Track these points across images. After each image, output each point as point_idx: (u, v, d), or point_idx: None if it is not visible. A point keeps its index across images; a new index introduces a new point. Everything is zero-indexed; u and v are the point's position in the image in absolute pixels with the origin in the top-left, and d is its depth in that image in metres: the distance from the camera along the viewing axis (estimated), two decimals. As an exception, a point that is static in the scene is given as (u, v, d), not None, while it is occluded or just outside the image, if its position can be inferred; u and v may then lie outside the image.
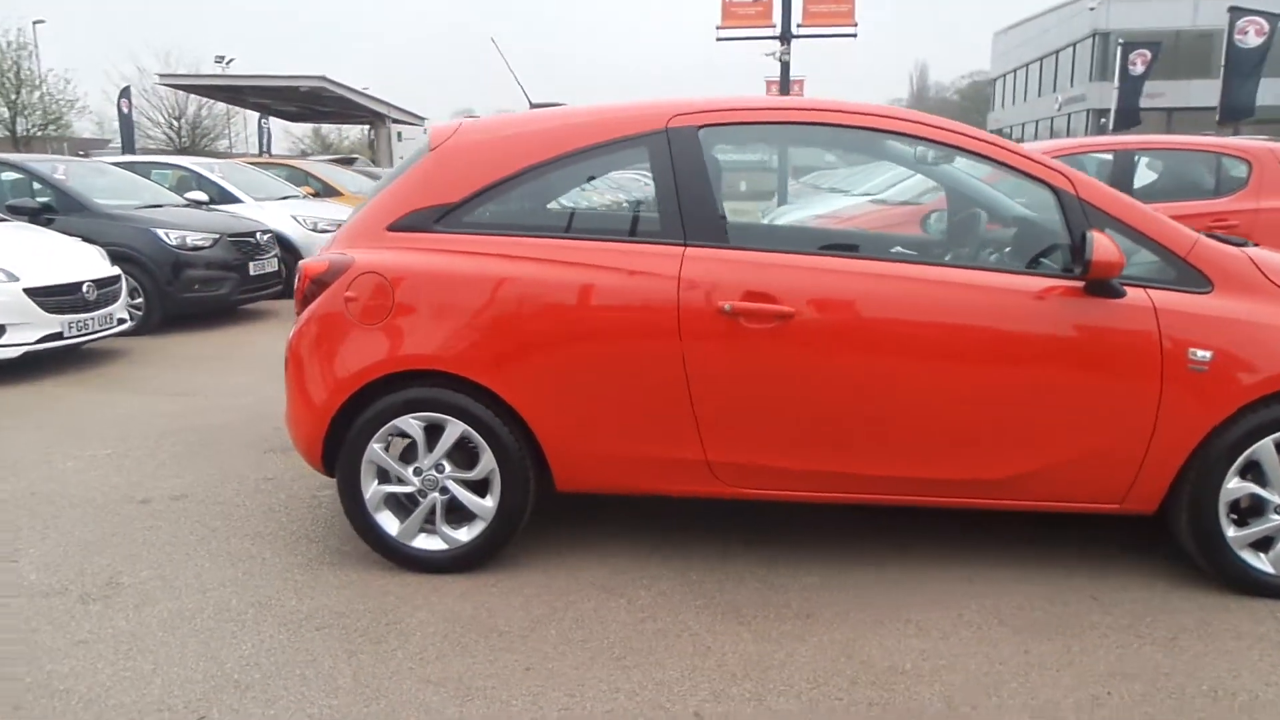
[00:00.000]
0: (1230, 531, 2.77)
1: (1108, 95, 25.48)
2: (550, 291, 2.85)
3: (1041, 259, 2.92)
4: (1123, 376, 2.70)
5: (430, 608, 2.82)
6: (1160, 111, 25.20)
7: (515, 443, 2.92)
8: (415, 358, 2.89)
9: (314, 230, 10.28)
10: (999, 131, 41.79)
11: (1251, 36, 17.20)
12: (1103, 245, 2.57)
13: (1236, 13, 17.43)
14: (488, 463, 2.93)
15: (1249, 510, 2.80)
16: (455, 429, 2.92)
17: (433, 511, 3.01)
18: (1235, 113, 17.60)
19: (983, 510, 2.99)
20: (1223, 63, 17.73)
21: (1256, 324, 2.68)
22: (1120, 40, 23.10)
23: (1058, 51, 36.76)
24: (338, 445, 3.02)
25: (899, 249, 3.37)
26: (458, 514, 3.03)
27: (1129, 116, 21.90)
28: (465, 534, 3.01)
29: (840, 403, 2.79)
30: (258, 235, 8.77)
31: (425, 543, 3.03)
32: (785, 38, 12.79)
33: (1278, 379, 2.65)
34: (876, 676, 2.42)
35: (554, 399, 2.88)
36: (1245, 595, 2.81)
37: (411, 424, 2.94)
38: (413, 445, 3.01)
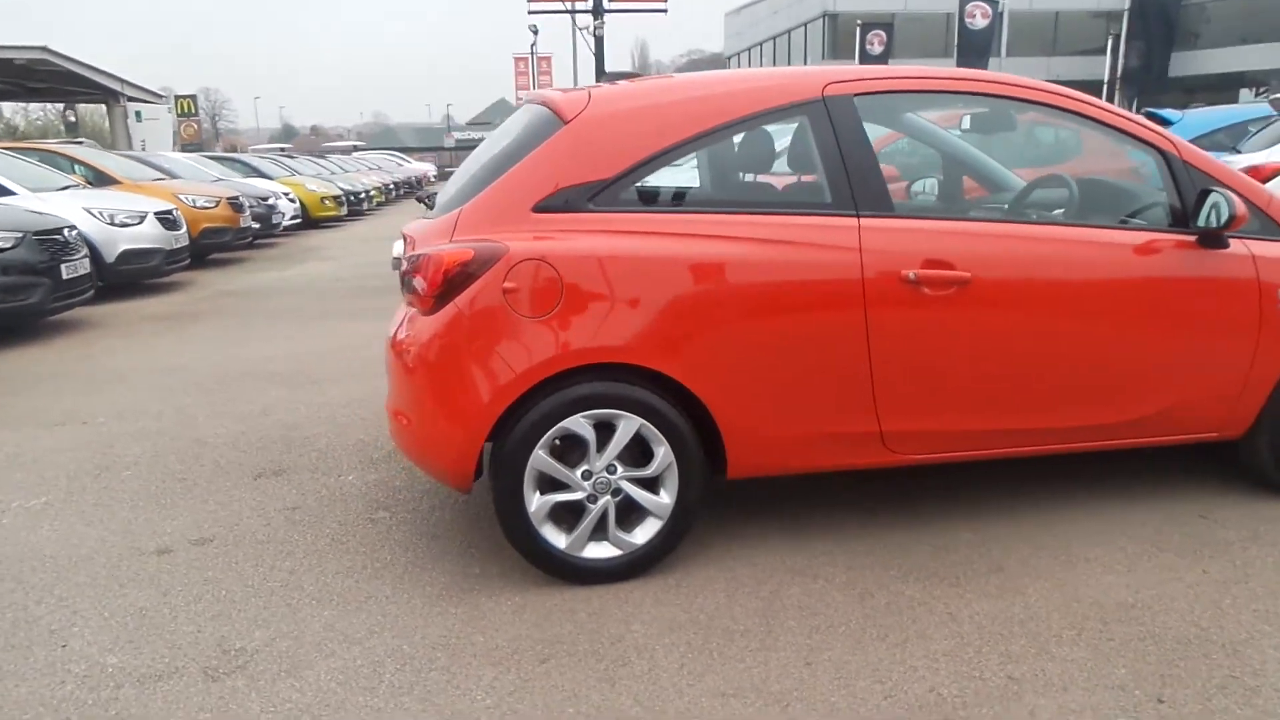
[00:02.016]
0: (1299, 445, 3.21)
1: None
2: (730, 269, 2.70)
3: (1132, 217, 3.18)
4: (1233, 318, 3.03)
5: (638, 619, 2.60)
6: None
7: (692, 433, 2.75)
8: (594, 350, 2.62)
9: (112, 224, 8.92)
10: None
11: (979, 20, 19.57)
12: (1239, 202, 2.86)
13: (965, -2, 19.76)
14: (664, 457, 2.74)
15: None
16: (630, 424, 2.69)
17: (602, 517, 2.76)
18: (967, 90, 19.93)
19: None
20: (956, 43, 20.03)
21: (1322, 264, 3.11)
22: (859, 21, 25.26)
23: (790, 31, 39.57)
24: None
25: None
26: (624, 516, 2.81)
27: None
28: (641, 536, 2.79)
29: (1009, 361, 2.89)
30: (65, 232, 7.43)
31: (596, 551, 2.78)
32: (598, 12, 12.74)
33: None
34: (1119, 614, 2.56)
35: (735, 383, 2.74)
36: (1310, 498, 3.27)
37: (582, 424, 2.68)
38: (570, 449, 2.74)
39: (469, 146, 67.87)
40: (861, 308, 2.76)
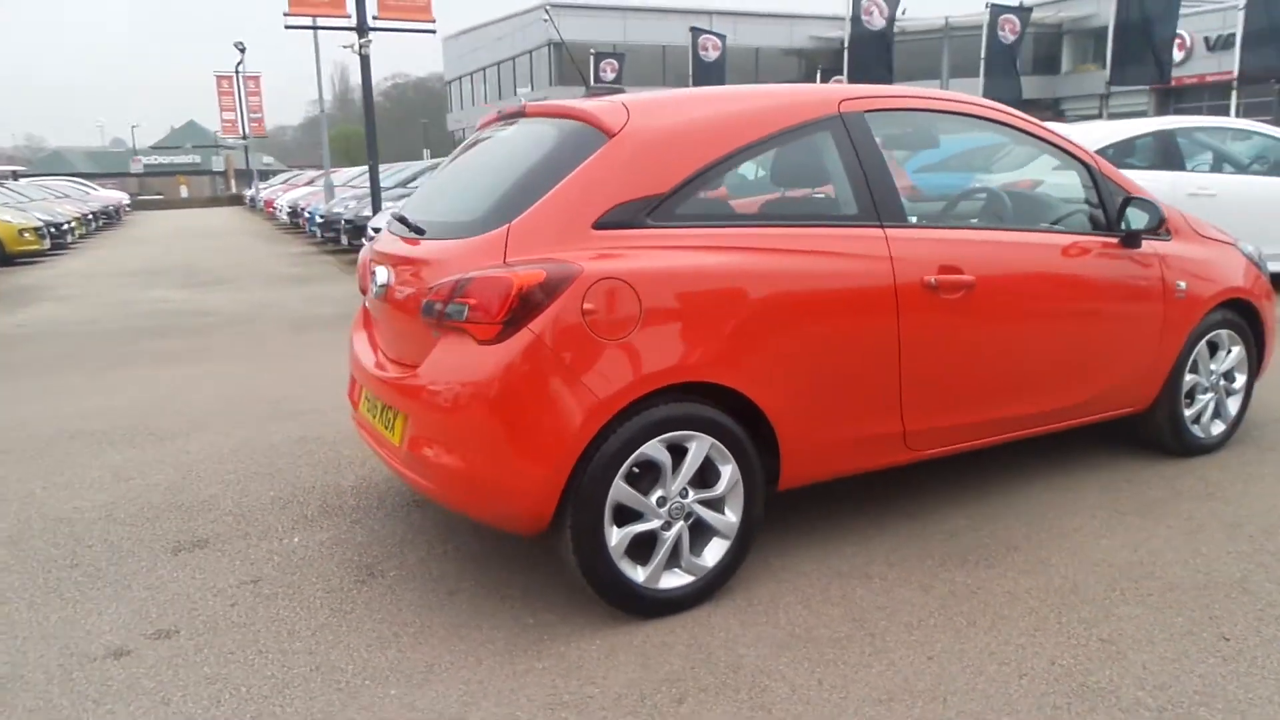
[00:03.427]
0: (1186, 412, 3.81)
1: (574, 97, 28.68)
2: (789, 281, 2.72)
3: (1056, 223, 3.61)
4: (1149, 307, 3.53)
5: (741, 644, 2.53)
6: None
7: (755, 449, 2.74)
8: (676, 369, 2.53)
9: None
10: (461, 131, 44.16)
11: (711, 52, 20.99)
12: (1162, 207, 3.34)
13: (696, 31, 21.13)
14: (731, 476, 2.69)
15: (1187, 395, 3.86)
16: (703, 445, 2.63)
17: (676, 543, 2.66)
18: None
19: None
20: (690, 73, 21.35)
21: (1196, 259, 3.72)
22: (592, 50, 26.12)
23: (515, 57, 39.95)
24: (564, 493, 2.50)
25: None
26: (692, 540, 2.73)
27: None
28: (711, 558, 2.72)
29: (1004, 355, 3.17)
30: None
31: (671, 580, 2.67)
32: (362, 29, 12.09)
33: (1216, 298, 3.72)
34: (1136, 571, 2.88)
35: (791, 393, 2.76)
36: (1192, 456, 3.88)
37: (659, 448, 2.57)
38: (640, 476, 2.62)
39: (162, 173, 61.04)
40: (895, 313, 2.89)
